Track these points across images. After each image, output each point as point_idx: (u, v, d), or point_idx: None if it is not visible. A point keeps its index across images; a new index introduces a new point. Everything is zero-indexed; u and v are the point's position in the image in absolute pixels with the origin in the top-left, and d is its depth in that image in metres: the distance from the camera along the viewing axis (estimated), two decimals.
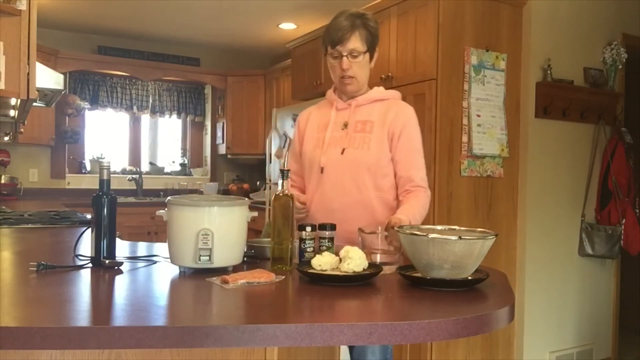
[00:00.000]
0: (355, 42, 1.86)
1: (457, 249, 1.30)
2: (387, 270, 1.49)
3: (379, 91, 2.00)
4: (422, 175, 1.97)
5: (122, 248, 1.85)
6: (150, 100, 5.83)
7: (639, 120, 4.10)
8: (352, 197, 1.89)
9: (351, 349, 1.98)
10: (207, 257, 1.42)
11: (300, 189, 2.08)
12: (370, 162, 1.89)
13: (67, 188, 5.30)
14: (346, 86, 1.93)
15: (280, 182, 1.57)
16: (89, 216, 2.69)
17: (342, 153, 1.91)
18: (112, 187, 1.57)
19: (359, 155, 1.89)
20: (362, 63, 1.90)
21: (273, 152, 4.70)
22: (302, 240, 1.58)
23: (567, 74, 3.39)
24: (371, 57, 1.94)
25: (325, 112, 2.04)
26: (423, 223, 2.93)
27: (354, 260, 1.40)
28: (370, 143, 1.90)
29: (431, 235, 1.33)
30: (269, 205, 3.55)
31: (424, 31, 3.08)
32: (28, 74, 2.43)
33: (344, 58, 1.87)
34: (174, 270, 1.48)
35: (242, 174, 6.20)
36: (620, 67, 3.53)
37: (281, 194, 1.55)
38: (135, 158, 5.93)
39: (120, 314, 1.13)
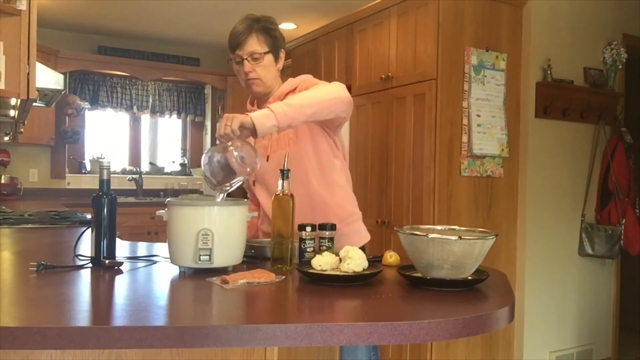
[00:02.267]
0: (254, 45, 1.86)
1: (457, 249, 1.30)
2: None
3: (287, 83, 1.96)
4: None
5: (122, 248, 1.85)
6: (150, 100, 5.83)
7: (639, 120, 4.10)
8: (298, 194, 1.75)
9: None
10: (207, 257, 1.42)
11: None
12: (301, 153, 1.86)
13: (67, 188, 5.30)
14: (252, 87, 1.92)
15: (280, 182, 1.56)
16: (89, 216, 2.69)
17: (267, 160, 1.88)
18: (112, 187, 1.56)
19: (293, 149, 1.85)
20: (265, 64, 1.89)
21: None
22: (302, 240, 1.58)
23: (567, 74, 3.39)
24: (276, 58, 1.93)
25: None
26: (423, 223, 2.94)
27: (354, 260, 1.40)
28: (296, 136, 1.87)
29: (431, 235, 1.33)
30: None
31: (424, 31, 3.08)
32: (28, 74, 2.43)
33: (245, 61, 1.87)
34: (174, 270, 1.48)
35: None
36: (620, 67, 3.53)
37: (281, 194, 1.55)
38: (135, 158, 5.93)
39: (120, 314, 1.13)
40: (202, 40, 5.58)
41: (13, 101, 3.00)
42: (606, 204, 3.49)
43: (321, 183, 1.90)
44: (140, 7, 4.56)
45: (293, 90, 1.92)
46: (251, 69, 1.87)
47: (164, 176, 5.92)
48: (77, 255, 1.62)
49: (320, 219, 1.73)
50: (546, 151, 3.35)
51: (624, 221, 3.41)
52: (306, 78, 1.99)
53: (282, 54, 1.95)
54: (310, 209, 1.84)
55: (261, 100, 1.96)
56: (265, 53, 1.87)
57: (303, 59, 4.42)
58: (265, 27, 1.89)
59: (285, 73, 5.13)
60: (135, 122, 5.94)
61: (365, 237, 2.00)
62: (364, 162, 3.58)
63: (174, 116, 6.00)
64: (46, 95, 3.37)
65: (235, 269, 1.46)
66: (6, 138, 4.49)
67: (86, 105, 5.41)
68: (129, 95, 5.71)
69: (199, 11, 4.63)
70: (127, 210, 4.75)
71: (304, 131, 1.87)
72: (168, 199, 1.51)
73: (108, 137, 5.82)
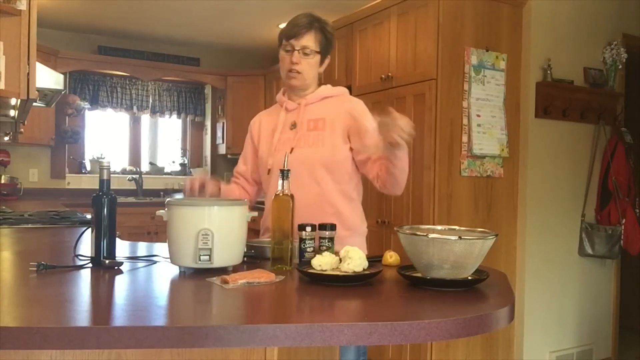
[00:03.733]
0: (309, 40, 1.92)
1: (457, 249, 1.30)
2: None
3: (327, 88, 2.02)
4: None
5: (122, 248, 1.85)
6: (150, 100, 5.82)
7: (639, 120, 4.10)
8: (311, 192, 1.86)
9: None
10: (207, 257, 1.42)
11: (243, 188, 2.13)
12: (326, 157, 1.89)
13: (67, 188, 5.30)
14: (291, 79, 1.95)
15: (280, 182, 1.57)
16: (89, 216, 2.69)
17: (290, 152, 1.89)
18: (112, 187, 1.56)
19: (313, 152, 1.90)
20: (312, 62, 1.94)
21: None
22: (302, 240, 1.58)
23: (567, 74, 3.39)
24: (322, 61, 1.98)
25: (275, 116, 2.05)
26: (423, 223, 2.95)
27: (354, 260, 1.40)
28: (324, 140, 1.91)
29: (431, 235, 1.33)
30: None
31: (424, 31, 3.08)
32: (28, 74, 2.43)
33: (295, 52, 1.91)
34: (174, 270, 1.48)
35: None
36: (620, 67, 3.53)
37: (281, 194, 1.55)
38: (135, 158, 5.93)
39: (120, 314, 1.12)
40: (202, 40, 5.58)
41: (13, 101, 3.00)
42: (606, 204, 3.49)
43: (334, 189, 1.91)
44: (140, 7, 4.56)
45: (331, 98, 1.99)
46: (298, 61, 1.91)
47: (164, 176, 5.92)
48: (77, 255, 1.62)
49: (325, 220, 1.73)
50: (546, 151, 3.35)
51: (624, 221, 3.41)
52: (345, 93, 2.07)
53: (327, 60, 2.01)
54: (319, 209, 1.85)
55: (295, 94, 2.01)
56: (316, 52, 1.93)
57: None
58: (325, 29, 1.96)
59: None
60: (135, 122, 5.94)
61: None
62: None
63: (174, 116, 6.00)
64: (46, 95, 3.36)
65: (235, 269, 1.46)
66: (6, 138, 4.49)
67: (86, 105, 5.41)
68: (129, 95, 5.71)
69: (199, 11, 4.62)
70: (127, 210, 4.75)
71: (331, 136, 1.91)
72: (168, 199, 1.51)
73: (108, 137, 5.82)
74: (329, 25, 2.00)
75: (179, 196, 1.60)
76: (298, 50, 1.91)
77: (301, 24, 1.93)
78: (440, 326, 1.06)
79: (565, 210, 3.45)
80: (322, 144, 1.91)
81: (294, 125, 1.97)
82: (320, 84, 2.04)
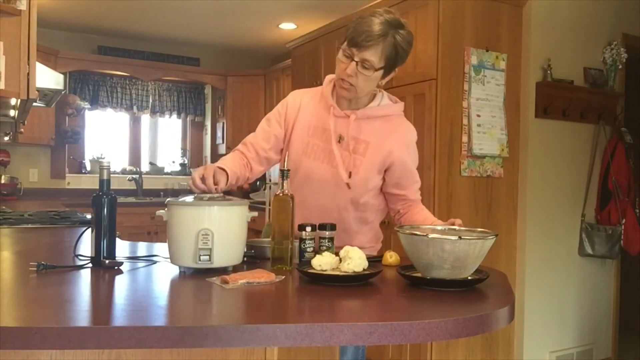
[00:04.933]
0: (374, 55, 1.63)
1: (457, 249, 1.30)
2: None
3: (384, 106, 1.80)
4: (417, 187, 1.89)
5: (122, 248, 1.85)
6: (150, 100, 5.83)
7: (639, 120, 4.10)
8: (330, 216, 1.73)
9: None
10: (207, 257, 1.42)
11: (249, 163, 1.84)
12: (357, 185, 1.77)
13: (67, 188, 5.30)
14: (342, 90, 1.73)
15: (280, 182, 1.56)
16: (89, 216, 2.69)
17: (329, 170, 1.77)
18: (112, 187, 1.56)
19: (346, 176, 1.75)
20: (371, 78, 1.68)
21: None
22: (302, 240, 1.58)
23: (567, 74, 3.39)
24: (386, 74, 1.72)
25: (320, 112, 1.81)
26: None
27: (354, 260, 1.40)
28: (360, 167, 1.75)
29: (431, 235, 1.33)
30: (269, 205, 3.54)
31: (424, 31, 3.08)
32: (28, 74, 2.43)
33: (353, 63, 1.65)
34: (174, 270, 1.48)
35: None
36: (620, 67, 3.53)
37: (281, 194, 1.55)
38: (135, 158, 5.93)
39: (120, 314, 1.12)
40: (202, 40, 5.58)
41: (13, 101, 3.00)
42: (606, 204, 3.49)
43: (353, 217, 1.81)
44: (140, 7, 4.56)
45: (383, 117, 1.79)
46: (353, 74, 1.66)
47: (164, 176, 5.92)
48: (77, 255, 1.62)
49: (342, 238, 1.73)
50: (546, 151, 3.35)
51: (624, 221, 3.41)
52: (400, 112, 1.85)
53: (394, 73, 1.74)
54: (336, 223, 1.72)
55: (346, 104, 1.79)
56: (378, 69, 1.67)
57: (303, 59, 4.42)
58: (398, 43, 1.66)
59: (285, 73, 5.15)
60: (135, 122, 5.94)
61: None
62: None
63: (174, 116, 6.00)
64: (46, 95, 3.36)
65: (235, 269, 1.46)
66: (6, 138, 4.49)
67: (86, 105, 5.41)
68: (129, 95, 5.71)
69: (199, 11, 4.63)
70: (127, 210, 4.75)
71: (369, 166, 1.77)
72: (168, 199, 1.51)
73: (108, 137, 5.82)
74: (406, 35, 1.68)
75: (189, 198, 1.58)
76: (357, 61, 1.65)
77: (372, 32, 1.62)
78: (440, 326, 1.06)
79: (565, 210, 3.45)
80: (357, 172, 1.75)
81: (340, 138, 1.77)
82: (374, 91, 1.80)
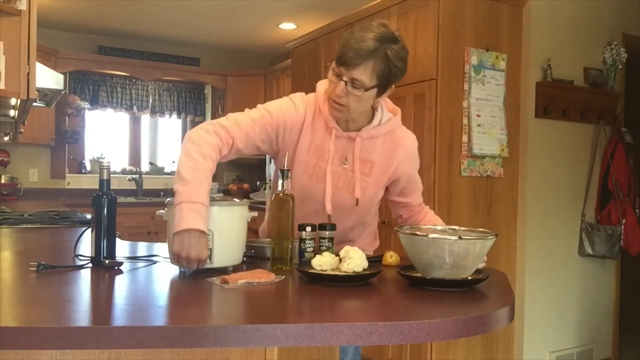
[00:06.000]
0: (363, 73, 1.52)
1: (457, 249, 1.30)
2: None
3: (385, 125, 1.71)
4: (420, 193, 1.87)
5: (122, 248, 1.85)
6: (150, 100, 5.83)
7: (639, 120, 4.10)
8: (336, 235, 1.66)
9: None
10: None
11: (220, 150, 1.57)
12: (364, 205, 1.74)
13: (67, 188, 5.30)
14: (333, 110, 1.63)
15: (280, 182, 1.56)
16: (89, 216, 2.69)
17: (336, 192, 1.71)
18: (112, 187, 1.56)
19: (351, 200, 1.70)
20: (362, 97, 1.56)
21: None
22: (302, 240, 1.58)
23: (567, 74, 3.39)
24: (380, 92, 1.60)
25: (321, 132, 1.69)
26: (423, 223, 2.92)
27: (354, 260, 1.40)
28: (367, 188, 1.71)
29: (431, 235, 1.33)
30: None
31: (424, 31, 3.08)
32: (28, 74, 2.43)
33: (342, 83, 1.54)
34: (174, 270, 1.48)
35: (242, 174, 6.20)
36: (620, 67, 3.53)
37: (281, 194, 1.55)
38: (135, 158, 5.93)
39: (120, 314, 1.12)
40: (202, 40, 5.58)
41: (13, 101, 3.00)
42: (606, 204, 3.49)
43: (354, 226, 1.80)
44: (140, 7, 4.56)
45: (386, 134, 1.71)
46: (343, 94, 1.56)
47: (164, 176, 5.92)
48: (77, 255, 1.62)
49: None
50: (546, 151, 3.35)
51: (624, 221, 3.41)
52: (399, 122, 1.75)
53: (391, 89, 1.62)
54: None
55: (344, 124, 1.69)
56: (369, 88, 1.55)
57: (303, 59, 4.42)
58: (390, 60, 1.52)
59: (285, 73, 5.15)
60: (135, 122, 5.94)
61: None
62: None
63: (174, 116, 6.00)
64: (46, 95, 3.36)
65: (235, 269, 1.46)
66: (6, 138, 4.49)
67: (86, 105, 5.41)
68: (129, 95, 5.71)
69: (199, 11, 4.62)
70: (127, 210, 4.75)
71: (374, 185, 1.73)
72: (168, 199, 1.51)
73: (108, 137, 5.82)
74: (399, 50, 1.55)
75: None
76: (346, 81, 1.53)
77: (361, 50, 1.49)
78: (440, 326, 1.06)
79: (565, 210, 3.45)
80: (364, 193, 1.70)
81: (345, 160, 1.70)
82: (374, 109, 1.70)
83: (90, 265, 1.52)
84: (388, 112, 1.74)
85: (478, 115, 3.10)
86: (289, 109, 1.69)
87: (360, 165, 1.70)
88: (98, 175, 1.55)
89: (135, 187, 5.51)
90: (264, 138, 1.66)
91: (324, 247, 1.59)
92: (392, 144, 1.73)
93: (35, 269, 1.42)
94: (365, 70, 1.51)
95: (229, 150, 1.60)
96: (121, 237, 1.94)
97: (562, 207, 3.43)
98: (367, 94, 1.56)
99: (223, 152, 1.58)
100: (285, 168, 1.58)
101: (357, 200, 1.70)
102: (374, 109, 1.70)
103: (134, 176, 5.54)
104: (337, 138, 1.68)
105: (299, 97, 1.74)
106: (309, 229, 1.58)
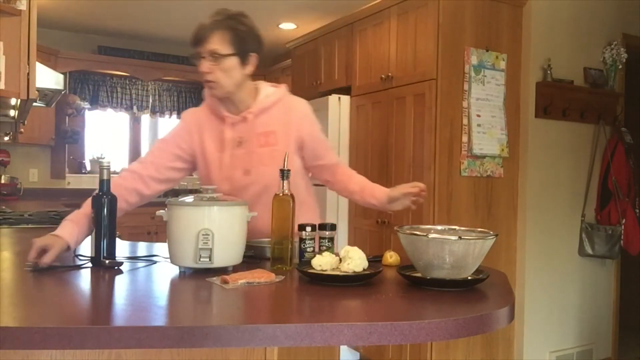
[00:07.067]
0: (216, 43, 1.69)
1: (457, 249, 1.30)
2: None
3: (269, 96, 1.83)
4: (334, 152, 2.00)
5: (122, 248, 1.85)
6: (150, 100, 5.83)
7: (639, 120, 4.10)
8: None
9: None
10: (207, 257, 1.42)
11: (132, 190, 1.75)
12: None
13: (67, 188, 5.30)
14: (211, 91, 1.79)
15: (280, 182, 1.56)
16: None
17: (247, 174, 1.79)
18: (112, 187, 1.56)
19: (272, 172, 1.69)
20: (226, 67, 1.71)
21: None
22: (302, 240, 1.58)
23: (567, 74, 3.39)
24: (243, 62, 1.74)
25: (216, 126, 1.84)
26: (423, 223, 2.95)
27: (354, 260, 1.40)
28: (279, 157, 1.71)
29: (431, 235, 1.33)
30: None
31: (424, 31, 3.08)
32: (28, 74, 2.43)
33: (203, 60, 1.71)
34: (174, 270, 1.48)
35: None
36: (620, 67, 3.53)
37: (281, 194, 1.55)
38: (135, 158, 5.90)
39: (120, 314, 1.12)
40: None
41: (13, 101, 3.00)
42: (606, 204, 3.49)
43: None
44: (140, 7, 4.56)
45: (275, 104, 1.83)
46: (209, 70, 1.72)
47: None
48: (77, 255, 1.62)
49: None
50: (546, 151, 3.35)
51: (624, 221, 3.41)
52: (286, 92, 1.89)
53: (253, 58, 1.76)
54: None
55: (233, 105, 1.82)
56: (227, 55, 1.70)
57: (303, 59, 4.42)
58: (234, 26, 1.72)
59: (285, 73, 5.15)
60: (135, 122, 5.94)
61: None
62: (364, 162, 3.58)
63: (174, 116, 6.00)
64: (46, 95, 3.37)
65: (235, 269, 1.46)
66: (6, 138, 4.49)
67: (86, 105, 5.41)
68: (129, 95, 5.71)
69: (199, 11, 4.61)
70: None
71: (285, 151, 1.74)
72: (168, 199, 1.51)
73: (108, 137, 5.82)
74: (240, 19, 1.75)
75: (188, 198, 1.57)
76: (205, 57, 1.71)
77: (204, 26, 1.72)
78: (440, 326, 1.06)
79: (565, 210, 3.45)
80: (279, 162, 1.70)
81: (240, 143, 1.81)
82: (254, 85, 1.86)
83: (90, 265, 1.52)
84: (271, 87, 1.89)
85: (478, 115, 3.10)
86: (178, 124, 1.93)
87: (264, 138, 1.81)
88: (98, 175, 1.55)
89: None
90: (170, 158, 1.84)
91: (324, 247, 1.59)
92: (285, 109, 1.85)
93: (30, 268, 1.42)
94: (216, 40, 1.69)
95: (145, 184, 1.79)
96: (121, 237, 1.94)
97: (562, 207, 3.43)
98: (228, 63, 1.71)
99: (138, 186, 1.78)
100: (286, 168, 1.58)
101: (248, 171, 1.79)
102: (257, 89, 1.85)
103: None
104: (232, 125, 1.81)
105: (185, 112, 1.98)
106: (309, 229, 1.58)
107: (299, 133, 1.83)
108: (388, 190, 1.84)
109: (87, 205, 1.61)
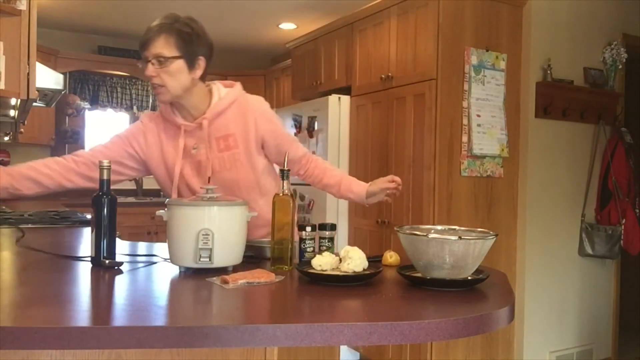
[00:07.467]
0: (160, 47, 1.68)
1: (457, 249, 1.30)
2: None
3: (224, 98, 1.82)
4: (298, 144, 1.97)
5: (122, 248, 1.85)
6: (150, 100, 5.82)
7: (639, 120, 4.10)
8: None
9: None
10: (207, 257, 1.42)
11: (73, 171, 1.91)
12: (250, 179, 1.83)
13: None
14: (159, 96, 1.76)
15: (280, 182, 1.56)
16: (89, 216, 2.69)
17: (208, 181, 1.78)
18: (112, 187, 1.56)
19: (235, 176, 1.79)
20: (172, 70, 1.69)
21: None
22: (302, 240, 1.58)
23: (567, 74, 3.39)
24: (191, 65, 1.72)
25: (173, 134, 1.83)
26: (423, 223, 2.95)
27: (354, 260, 1.40)
28: (242, 159, 1.80)
29: (431, 235, 1.33)
30: None
31: (424, 31, 3.08)
32: (28, 74, 2.43)
33: (149, 64, 1.70)
34: (174, 270, 1.48)
35: None
36: (620, 67, 3.53)
37: (281, 194, 1.55)
38: None
39: (120, 314, 1.12)
40: None
41: (13, 101, 3.00)
42: (606, 204, 3.49)
43: (263, 203, 1.84)
44: (140, 7, 4.56)
45: (231, 105, 1.81)
46: (154, 74, 1.70)
47: None
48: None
49: (263, 227, 1.75)
50: (546, 151, 3.35)
51: (624, 221, 3.41)
52: (240, 91, 1.87)
53: (201, 62, 1.74)
54: (263, 225, 1.73)
55: (186, 111, 1.80)
56: (173, 58, 1.68)
57: (303, 59, 4.42)
58: (180, 29, 1.70)
59: (285, 73, 5.15)
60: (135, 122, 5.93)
61: None
62: (364, 162, 3.58)
63: None
64: (46, 95, 3.36)
65: (235, 269, 1.46)
66: (6, 138, 4.49)
67: (86, 105, 5.41)
68: (129, 95, 5.71)
69: (199, 11, 4.62)
70: (127, 210, 4.75)
71: (247, 153, 1.82)
72: (168, 199, 1.51)
73: (108, 137, 5.81)
74: (187, 23, 1.73)
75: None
76: (151, 61, 1.69)
77: (149, 30, 1.70)
78: (440, 326, 1.06)
79: (565, 210, 3.45)
80: (242, 165, 1.80)
81: (198, 149, 1.80)
82: (207, 88, 1.83)
83: (90, 265, 1.52)
84: (225, 88, 1.86)
85: (478, 115, 3.10)
86: (135, 124, 1.95)
87: (223, 143, 1.79)
88: (98, 175, 1.55)
89: (135, 187, 5.51)
90: (122, 154, 1.90)
91: (324, 247, 1.59)
92: (241, 110, 1.82)
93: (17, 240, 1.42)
94: (160, 44, 1.68)
95: (88, 167, 1.85)
96: (121, 237, 1.94)
97: (562, 207, 3.43)
98: (175, 67, 1.69)
99: (80, 169, 1.90)
100: (285, 168, 1.58)
101: (209, 178, 1.79)
102: (211, 92, 1.83)
103: None
104: (187, 132, 1.79)
105: (144, 115, 1.97)
106: (309, 229, 1.58)
107: (258, 132, 1.82)
108: (366, 185, 1.87)
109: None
